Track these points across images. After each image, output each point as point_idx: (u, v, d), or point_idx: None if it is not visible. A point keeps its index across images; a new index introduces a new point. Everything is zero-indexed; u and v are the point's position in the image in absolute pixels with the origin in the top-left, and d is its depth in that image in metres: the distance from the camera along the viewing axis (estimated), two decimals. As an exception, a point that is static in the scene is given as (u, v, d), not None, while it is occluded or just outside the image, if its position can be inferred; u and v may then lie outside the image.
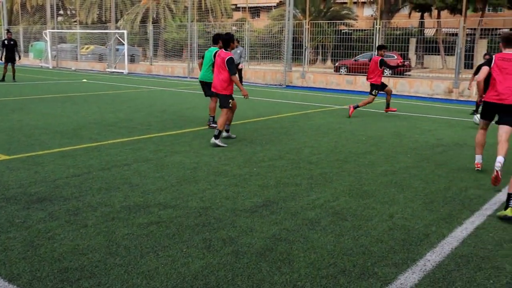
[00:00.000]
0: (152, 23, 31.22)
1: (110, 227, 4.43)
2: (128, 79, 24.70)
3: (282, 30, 24.36)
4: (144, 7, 40.71)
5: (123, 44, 29.84)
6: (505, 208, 4.88)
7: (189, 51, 27.29)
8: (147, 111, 12.36)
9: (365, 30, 38.40)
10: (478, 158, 6.94)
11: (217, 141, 8.11)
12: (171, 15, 41.80)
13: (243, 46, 23.04)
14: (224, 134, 8.79)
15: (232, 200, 5.33)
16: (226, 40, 8.38)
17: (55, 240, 4.12)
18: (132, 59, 33.37)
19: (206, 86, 10.12)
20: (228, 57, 8.22)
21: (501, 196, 5.67)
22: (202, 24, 30.56)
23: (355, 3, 43.56)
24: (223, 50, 8.42)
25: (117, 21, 36.31)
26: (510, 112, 6.35)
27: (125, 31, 30.40)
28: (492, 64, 6.46)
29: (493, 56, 6.62)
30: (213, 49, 9.79)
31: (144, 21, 38.88)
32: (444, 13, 37.24)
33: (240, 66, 18.74)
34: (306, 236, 4.36)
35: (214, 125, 9.66)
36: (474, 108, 13.01)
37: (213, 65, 9.25)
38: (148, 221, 4.61)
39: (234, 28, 34.22)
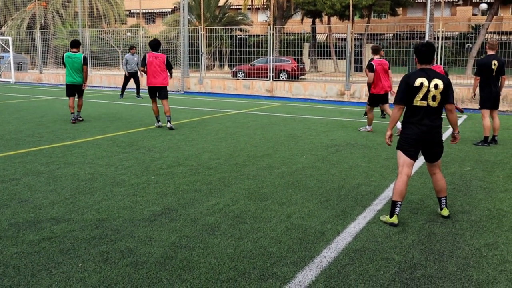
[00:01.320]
0: (40, 29, 29.71)
1: (-3, 247, 4.15)
2: (16, 89, 23.33)
3: (178, 36, 24.20)
4: (30, 12, 38.69)
5: (8, 52, 28.14)
6: (391, 216, 4.91)
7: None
8: (38, 121, 11.74)
9: (260, 35, 39.23)
10: None
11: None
12: (61, 21, 40.07)
13: (138, 53, 22.63)
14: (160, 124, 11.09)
15: (130, 210, 5.21)
16: (158, 45, 10.94)
17: None
18: (19, 67, 31.56)
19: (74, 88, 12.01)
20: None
21: (389, 192, 6.02)
22: (94, 30, 29.59)
23: (249, 9, 44.29)
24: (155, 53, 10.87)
25: (0, 27, 34.16)
26: None
27: (10, 38, 28.69)
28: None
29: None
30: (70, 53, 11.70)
31: (31, 27, 36.93)
32: (334, 19, 38.98)
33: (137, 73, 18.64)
34: (206, 242, 4.36)
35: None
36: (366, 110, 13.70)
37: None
38: (40, 237, 4.37)
39: (128, 34, 33.50)
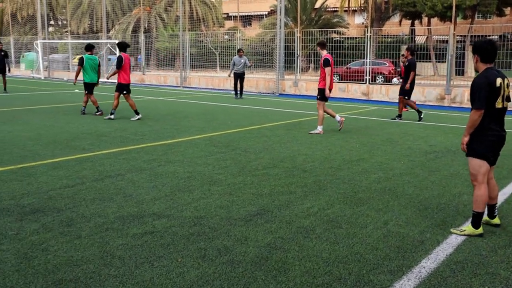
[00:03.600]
0: (144, 33, 31.23)
1: (104, 238, 4.41)
2: (120, 89, 24.65)
3: (274, 38, 24.44)
4: (136, 17, 40.70)
5: (115, 54, 29.80)
6: (477, 227, 4.62)
7: (181, 60, 27.31)
8: (141, 121, 12.34)
9: (356, 38, 38.64)
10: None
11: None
12: (163, 24, 41.80)
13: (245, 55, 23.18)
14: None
15: (227, 209, 5.32)
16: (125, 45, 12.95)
17: (48, 251, 4.09)
18: (124, 69, 33.28)
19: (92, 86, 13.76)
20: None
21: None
22: (194, 33, 30.62)
23: (346, 11, 43.74)
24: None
25: (108, 30, 36.31)
26: None
27: (116, 41, 30.37)
28: None
29: None
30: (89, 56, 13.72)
31: (135, 30, 38.85)
32: (434, 20, 37.53)
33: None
34: (301, 244, 4.36)
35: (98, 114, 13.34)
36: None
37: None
38: (142, 231, 4.59)
39: (226, 37, 34.30)
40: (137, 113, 12.62)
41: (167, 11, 42.80)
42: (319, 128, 10.67)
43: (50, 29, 46.31)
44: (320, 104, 10.79)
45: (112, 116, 12.59)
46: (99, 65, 13.91)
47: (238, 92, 19.92)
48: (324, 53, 10.75)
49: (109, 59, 31.98)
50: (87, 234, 4.50)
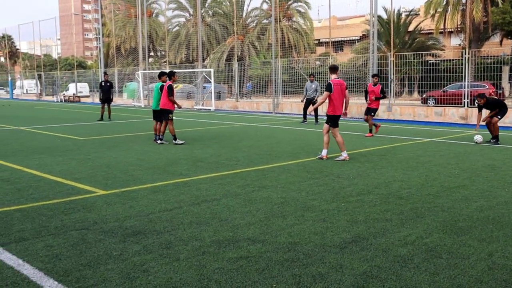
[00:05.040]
0: (237, 61, 32.12)
1: (201, 261, 4.52)
2: (215, 116, 25.43)
3: (366, 63, 24.20)
4: (229, 46, 42.02)
5: (210, 82, 30.86)
6: None
7: (273, 86, 27.72)
8: (234, 146, 12.62)
9: (452, 60, 37.29)
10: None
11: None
12: (255, 52, 42.80)
13: (318, 81, 23.19)
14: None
15: (321, 235, 5.28)
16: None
17: (149, 272, 4.26)
18: (218, 96, 34.38)
19: (156, 112, 13.79)
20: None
21: None
22: (286, 60, 31.02)
23: (441, 33, 42.44)
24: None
25: (204, 60, 37.76)
26: None
27: (211, 70, 31.47)
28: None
29: None
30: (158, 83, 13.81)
31: (229, 59, 40.10)
32: (539, 39, 35.39)
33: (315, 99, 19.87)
34: (399, 274, 4.22)
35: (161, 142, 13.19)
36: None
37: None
38: (238, 256, 4.65)
39: (318, 62, 34.43)
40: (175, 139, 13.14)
41: (259, 39, 43.80)
42: (344, 154, 10.34)
43: (150, 60, 48.89)
44: (330, 128, 10.55)
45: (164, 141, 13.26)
46: (163, 91, 13.32)
47: (313, 117, 19.83)
48: (332, 78, 10.51)
49: (204, 87, 33.14)
50: (185, 257, 4.64)
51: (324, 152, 10.43)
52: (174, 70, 14.18)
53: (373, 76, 15.98)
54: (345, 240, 5.12)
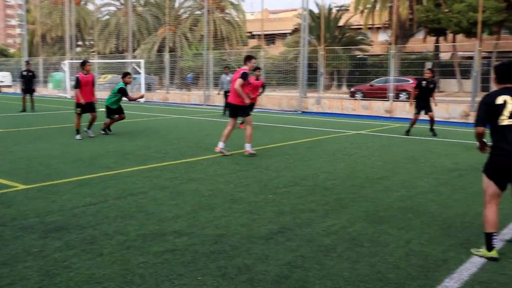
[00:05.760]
0: (169, 52, 31.68)
1: (126, 256, 4.45)
2: (145, 108, 24.98)
3: (298, 56, 24.54)
4: (161, 36, 41.35)
5: (140, 73, 30.26)
6: (489, 249, 4.50)
7: (205, 78, 27.58)
8: (164, 138, 12.46)
9: (380, 55, 38.54)
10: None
11: None
12: (188, 44, 42.37)
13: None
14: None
15: (248, 227, 5.33)
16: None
17: (71, 269, 4.14)
18: (148, 88, 33.77)
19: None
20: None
21: (521, 221, 5.59)
22: (217, 52, 30.93)
23: (370, 28, 43.72)
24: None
25: (134, 50, 36.91)
26: None
27: (142, 60, 30.87)
28: None
29: None
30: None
31: (160, 50, 39.45)
32: (459, 36, 37.22)
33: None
34: (322, 263, 4.33)
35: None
36: None
37: None
38: (164, 249, 4.61)
39: (249, 55, 34.49)
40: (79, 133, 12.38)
41: (192, 30, 43.38)
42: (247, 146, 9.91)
43: (78, 49, 47.23)
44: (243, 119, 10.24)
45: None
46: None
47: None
48: (245, 67, 9.89)
49: (134, 78, 32.45)
50: (109, 252, 4.54)
51: (221, 145, 10.04)
52: (88, 60, 13.63)
53: (256, 69, 14.09)
54: (271, 231, 5.20)
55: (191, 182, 7.45)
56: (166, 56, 30.76)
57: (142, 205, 6.13)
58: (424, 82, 13.48)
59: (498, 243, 4.71)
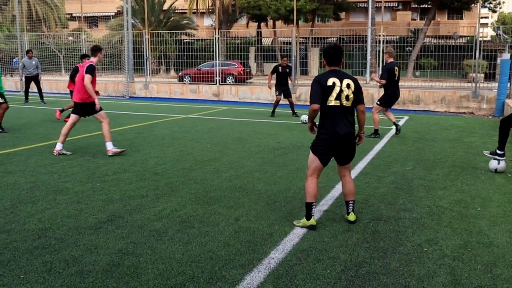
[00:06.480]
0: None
1: None
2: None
3: (122, 40, 23.81)
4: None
5: None
6: (308, 218, 4.85)
7: (21, 63, 25.42)
8: (-26, 129, 11.27)
9: (206, 39, 39.12)
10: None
11: None
12: (-3, 24, 38.65)
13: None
14: None
15: (75, 218, 5.09)
16: None
17: None
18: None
19: None
20: None
21: (335, 193, 6.15)
22: (34, 35, 28.69)
23: (194, 13, 44.06)
24: None
25: None
26: None
27: None
28: None
29: None
30: None
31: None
32: (279, 23, 39.40)
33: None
34: (154, 248, 4.32)
35: None
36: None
37: None
38: (-21, 250, 4.21)
39: (70, 38, 32.67)
40: None
41: (1, 9, 39.62)
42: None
43: None
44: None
45: None
46: None
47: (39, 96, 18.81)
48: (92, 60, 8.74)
49: None
50: None
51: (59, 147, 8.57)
52: None
53: (84, 56, 12.27)
54: (100, 220, 5.03)
55: (8, 176, 6.87)
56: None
57: (-49, 204, 5.51)
58: (280, 68, 14.60)
59: (316, 213, 5.15)
